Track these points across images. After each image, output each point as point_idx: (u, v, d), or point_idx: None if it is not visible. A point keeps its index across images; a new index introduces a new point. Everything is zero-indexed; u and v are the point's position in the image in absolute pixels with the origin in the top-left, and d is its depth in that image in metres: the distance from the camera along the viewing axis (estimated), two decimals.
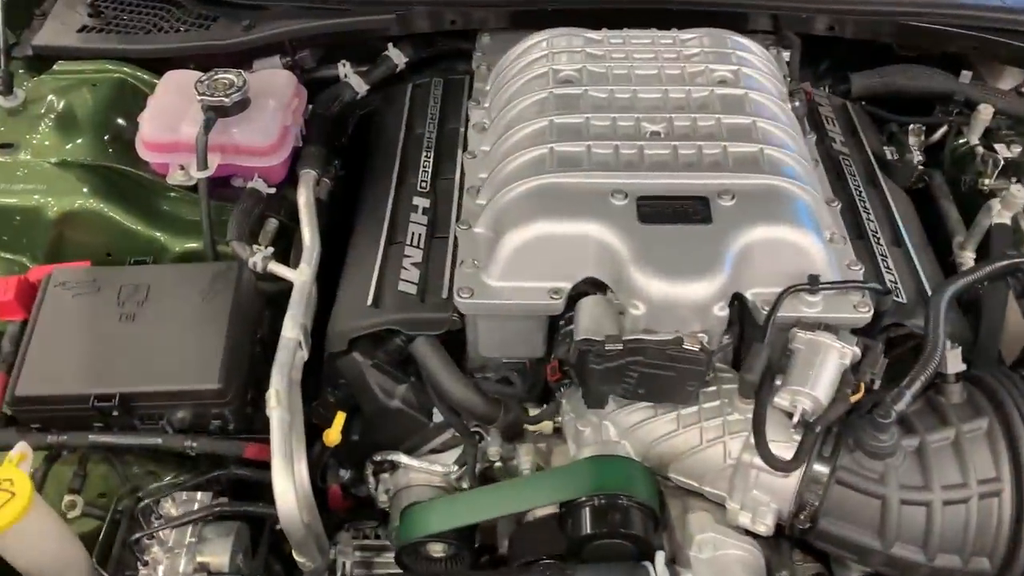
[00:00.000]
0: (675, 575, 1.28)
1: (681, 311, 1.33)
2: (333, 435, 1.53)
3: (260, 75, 1.82)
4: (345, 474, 1.68)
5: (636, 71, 1.65)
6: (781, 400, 1.29)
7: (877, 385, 1.30)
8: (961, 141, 1.92)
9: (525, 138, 1.55)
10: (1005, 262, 1.45)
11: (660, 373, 1.31)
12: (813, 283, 1.37)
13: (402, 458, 1.60)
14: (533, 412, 1.53)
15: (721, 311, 1.34)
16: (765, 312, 1.36)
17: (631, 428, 1.40)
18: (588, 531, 1.32)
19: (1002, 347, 1.55)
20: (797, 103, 1.67)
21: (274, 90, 1.79)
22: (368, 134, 1.98)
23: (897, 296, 1.50)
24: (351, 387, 1.58)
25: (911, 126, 1.97)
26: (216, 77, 1.70)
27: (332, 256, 1.70)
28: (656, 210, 1.40)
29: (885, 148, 1.82)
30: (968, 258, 1.72)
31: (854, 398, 1.27)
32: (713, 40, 1.73)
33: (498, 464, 1.60)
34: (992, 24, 1.85)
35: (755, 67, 1.68)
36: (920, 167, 1.80)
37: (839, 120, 1.90)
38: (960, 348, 1.33)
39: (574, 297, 1.43)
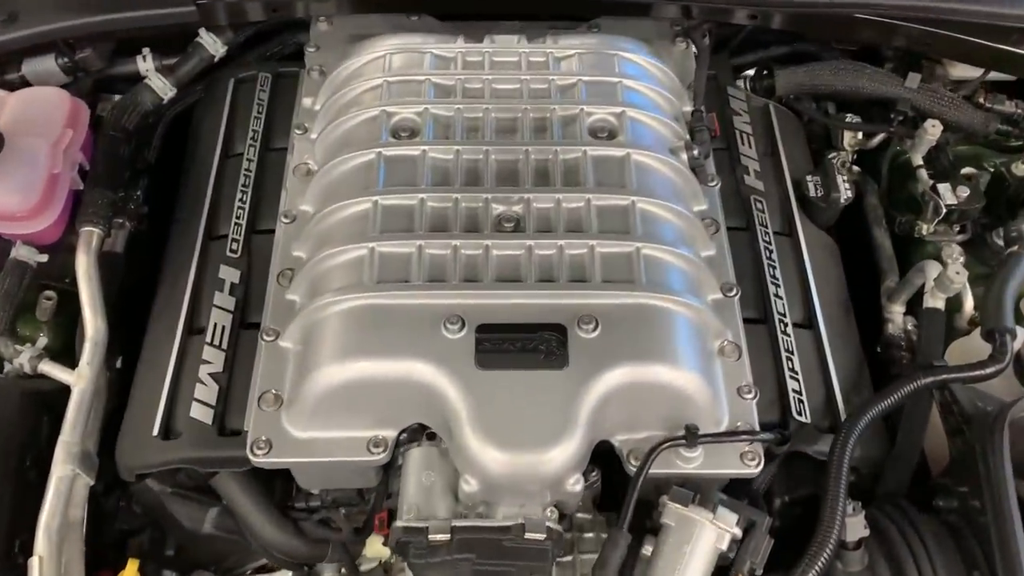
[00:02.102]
0: None
1: (525, 486, 1.10)
2: None
3: (20, 97, 1.45)
4: None
5: (494, 114, 1.33)
6: None
7: (759, 573, 1.11)
8: (903, 154, 1.64)
9: (343, 224, 1.25)
10: (922, 381, 1.23)
11: (497, 569, 1.10)
12: (690, 437, 1.14)
13: None
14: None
15: (575, 485, 1.11)
16: (634, 465, 1.14)
17: None
18: None
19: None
20: (696, 150, 1.37)
21: (37, 120, 1.42)
22: (185, 141, 1.64)
23: (800, 413, 1.28)
24: (153, 514, 1.36)
25: (848, 120, 1.69)
26: None
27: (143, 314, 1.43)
28: (498, 348, 1.13)
29: (809, 181, 1.53)
30: (896, 313, 1.49)
31: None
32: (596, 60, 1.39)
33: None
34: (943, 16, 1.52)
35: (643, 102, 1.36)
36: (846, 203, 1.52)
37: (756, 135, 1.59)
38: (863, 513, 1.14)
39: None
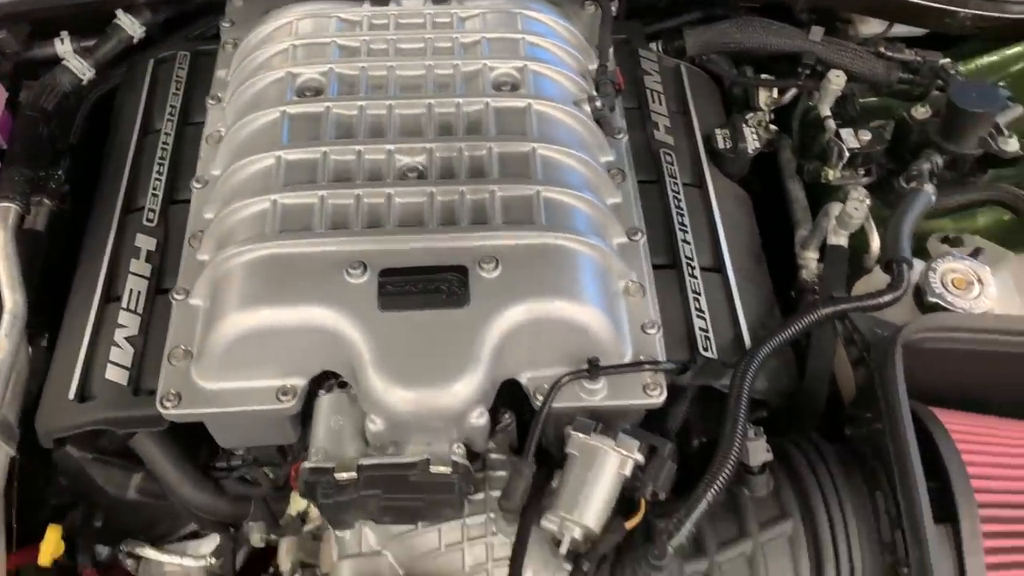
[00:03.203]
0: None
1: (430, 422, 1.11)
2: (46, 556, 1.31)
3: None
4: (103, 552, 1.48)
5: (398, 72, 1.35)
6: (549, 525, 1.11)
7: (663, 497, 1.12)
8: (812, 109, 1.68)
9: (249, 181, 1.26)
10: (823, 311, 1.26)
11: (405, 504, 1.11)
12: (592, 369, 1.16)
13: (149, 552, 1.41)
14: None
15: (479, 419, 1.13)
16: (540, 400, 1.16)
17: (394, 538, 1.21)
18: None
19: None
20: (600, 102, 1.39)
21: None
22: (107, 123, 1.65)
23: (706, 349, 1.30)
24: (76, 482, 1.35)
25: (762, 76, 1.72)
26: None
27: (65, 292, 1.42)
28: (400, 290, 1.14)
29: (718, 133, 1.56)
30: (809, 259, 1.52)
31: (630, 524, 1.09)
32: (498, 18, 1.42)
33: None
34: None
35: (546, 57, 1.39)
36: (754, 153, 1.55)
37: (668, 94, 1.62)
38: (764, 438, 1.16)
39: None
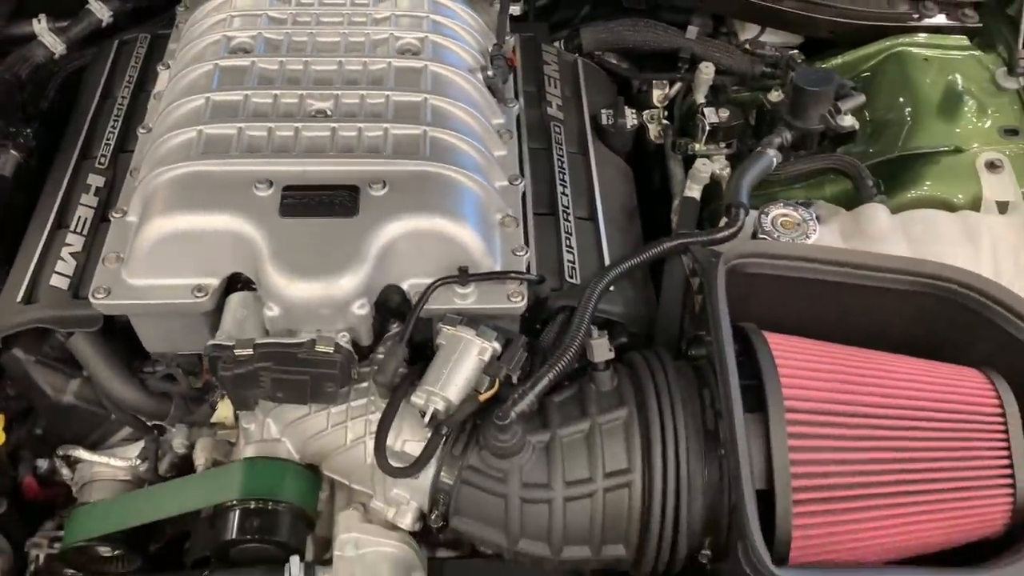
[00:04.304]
0: (311, 574, 1.28)
1: (319, 311, 1.29)
2: None
3: None
4: (42, 464, 1.63)
5: (317, 38, 1.57)
6: (417, 399, 1.27)
7: (516, 379, 1.30)
8: (692, 99, 1.90)
9: (181, 117, 1.46)
10: (669, 244, 1.45)
11: (294, 378, 1.28)
12: (462, 275, 1.34)
13: (81, 453, 1.56)
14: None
15: (361, 309, 1.30)
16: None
17: (289, 425, 1.38)
18: (232, 536, 1.31)
19: None
20: (492, 72, 1.61)
21: None
22: (71, 98, 1.85)
23: (572, 277, 1.49)
24: (19, 384, 1.52)
25: (654, 80, 1.95)
26: None
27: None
28: (299, 202, 1.34)
29: (603, 112, 1.78)
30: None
31: (484, 396, 1.26)
32: (409, 2, 1.64)
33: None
34: None
35: (448, 33, 1.60)
36: (632, 129, 1.77)
37: (564, 80, 1.84)
38: (606, 336, 1.34)
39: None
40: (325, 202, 1.34)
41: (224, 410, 1.50)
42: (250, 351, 1.26)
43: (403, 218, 1.33)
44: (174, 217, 1.33)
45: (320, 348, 1.26)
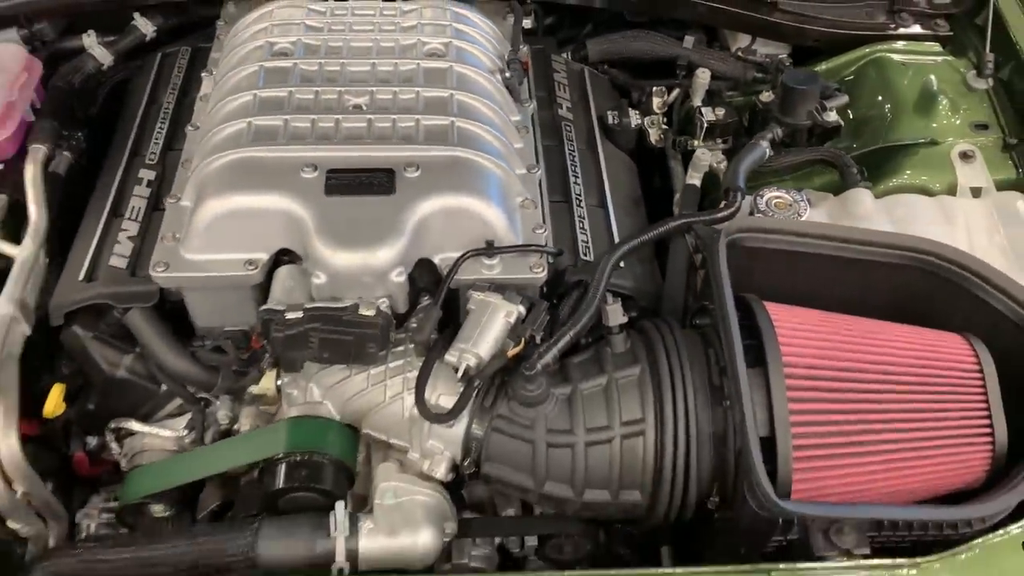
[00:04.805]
0: (355, 522, 1.39)
1: (361, 278, 1.42)
2: (50, 407, 1.57)
3: None
4: (92, 441, 1.73)
5: (351, 43, 1.72)
6: (450, 357, 1.40)
7: (539, 338, 1.42)
8: (689, 103, 2.05)
9: (231, 111, 1.60)
10: (673, 223, 1.59)
11: (339, 338, 1.40)
12: (489, 248, 1.47)
13: (133, 425, 1.66)
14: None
15: (399, 277, 1.43)
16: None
17: (331, 388, 1.50)
18: (280, 485, 1.42)
19: None
20: (509, 73, 1.76)
21: (1, 65, 1.78)
22: (119, 103, 2.00)
23: (586, 255, 1.62)
24: (77, 359, 1.63)
25: (654, 88, 2.10)
26: None
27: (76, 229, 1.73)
28: (342, 183, 1.47)
29: (609, 113, 1.93)
30: None
31: (511, 352, 1.39)
32: (433, 12, 1.80)
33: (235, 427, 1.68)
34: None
35: (469, 39, 1.76)
36: (636, 128, 1.92)
37: (572, 86, 2.00)
38: (620, 303, 1.47)
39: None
40: (365, 182, 1.48)
41: (267, 382, 1.61)
42: (300, 314, 1.39)
43: (435, 197, 1.47)
44: (229, 198, 1.46)
45: (363, 311, 1.39)
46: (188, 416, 1.67)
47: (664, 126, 2.06)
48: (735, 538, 1.41)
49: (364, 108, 1.60)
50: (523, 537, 1.54)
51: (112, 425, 1.68)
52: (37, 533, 1.55)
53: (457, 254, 1.48)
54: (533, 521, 1.55)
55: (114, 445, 1.70)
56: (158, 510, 1.57)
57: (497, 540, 1.54)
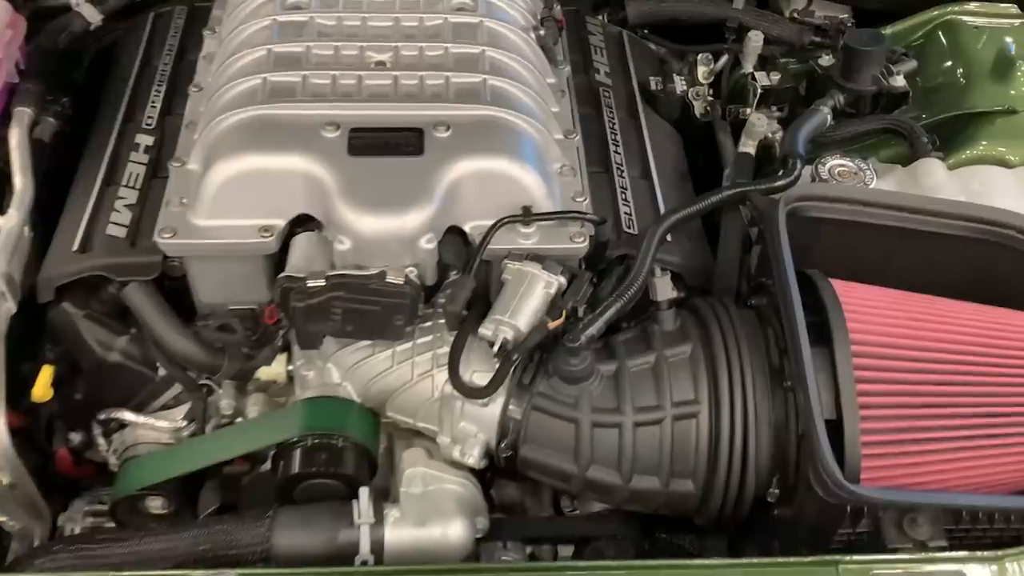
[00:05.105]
0: (380, 511, 1.49)
1: (388, 245, 1.52)
2: (38, 390, 1.67)
3: None
4: (76, 437, 1.82)
5: None
6: (485, 330, 1.50)
7: (581, 312, 1.53)
8: (740, 70, 2.18)
9: (242, 68, 1.73)
10: (727, 192, 1.70)
11: (365, 308, 1.50)
12: (526, 214, 1.59)
13: (127, 415, 1.75)
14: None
15: (429, 243, 1.54)
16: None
17: (351, 368, 1.60)
18: (296, 471, 1.52)
19: None
20: (543, 31, 1.89)
21: None
22: (106, 68, 2.13)
23: (630, 227, 1.74)
24: (66, 341, 1.73)
25: (699, 55, 2.23)
26: None
27: (60, 201, 1.84)
28: (367, 142, 1.59)
29: (651, 79, 2.06)
30: None
31: (552, 325, 1.49)
32: None
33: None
34: None
35: None
36: (682, 94, 2.05)
37: (609, 50, 2.13)
38: (669, 276, 1.57)
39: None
40: (392, 143, 1.59)
41: (278, 366, 1.72)
42: (322, 282, 1.49)
43: (468, 159, 1.58)
44: (243, 158, 1.57)
45: (391, 279, 1.49)
46: (186, 406, 1.78)
47: (710, 97, 2.19)
48: (796, 537, 1.50)
49: (388, 65, 1.72)
50: (556, 547, 1.64)
51: (101, 416, 1.77)
52: (23, 528, 1.65)
53: (490, 221, 1.59)
54: (570, 521, 1.66)
55: (101, 440, 1.79)
56: (156, 506, 1.67)
57: (528, 550, 1.63)
